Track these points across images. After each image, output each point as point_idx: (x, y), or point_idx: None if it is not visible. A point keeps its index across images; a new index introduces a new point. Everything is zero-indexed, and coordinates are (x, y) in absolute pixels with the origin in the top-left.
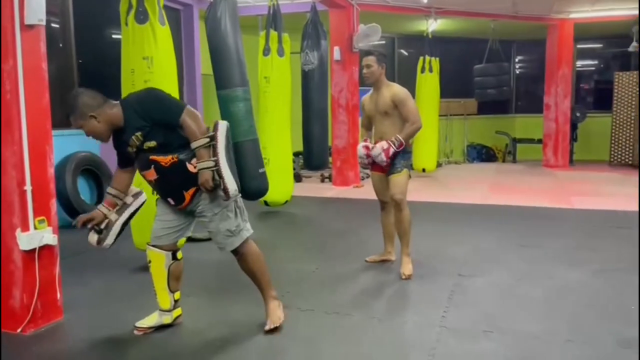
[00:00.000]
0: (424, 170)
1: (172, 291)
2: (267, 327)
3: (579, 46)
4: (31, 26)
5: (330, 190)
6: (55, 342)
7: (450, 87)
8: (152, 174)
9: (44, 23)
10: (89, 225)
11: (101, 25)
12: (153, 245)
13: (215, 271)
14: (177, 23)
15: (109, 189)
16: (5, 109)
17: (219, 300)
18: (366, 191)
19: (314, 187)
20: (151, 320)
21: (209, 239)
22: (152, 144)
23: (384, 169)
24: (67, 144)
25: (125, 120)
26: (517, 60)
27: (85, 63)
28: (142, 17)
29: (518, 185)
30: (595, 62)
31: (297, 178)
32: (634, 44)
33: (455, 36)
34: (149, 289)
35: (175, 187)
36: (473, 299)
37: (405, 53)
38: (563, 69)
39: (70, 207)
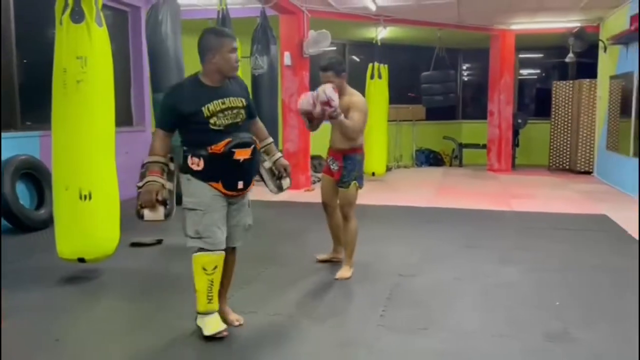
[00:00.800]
0: (373, 174)
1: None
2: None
3: (521, 56)
4: None
5: (281, 194)
6: None
7: (400, 94)
8: (247, 153)
9: None
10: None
11: (44, 24)
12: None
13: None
14: (125, 24)
15: (155, 157)
16: None
17: (148, 305)
18: (317, 195)
19: (266, 191)
20: (218, 324)
21: (154, 244)
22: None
23: (334, 174)
24: (6, 146)
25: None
26: (464, 68)
27: (29, 63)
28: (77, 16)
29: (463, 189)
30: (537, 71)
31: None
32: (570, 55)
33: (405, 44)
34: (73, 303)
35: (253, 170)
36: (412, 297)
37: (357, 59)
38: (505, 77)
39: (9, 212)
